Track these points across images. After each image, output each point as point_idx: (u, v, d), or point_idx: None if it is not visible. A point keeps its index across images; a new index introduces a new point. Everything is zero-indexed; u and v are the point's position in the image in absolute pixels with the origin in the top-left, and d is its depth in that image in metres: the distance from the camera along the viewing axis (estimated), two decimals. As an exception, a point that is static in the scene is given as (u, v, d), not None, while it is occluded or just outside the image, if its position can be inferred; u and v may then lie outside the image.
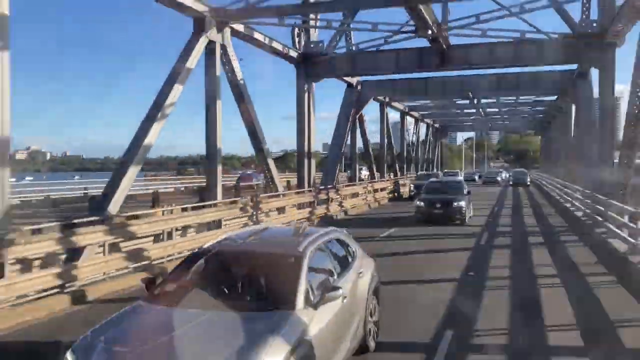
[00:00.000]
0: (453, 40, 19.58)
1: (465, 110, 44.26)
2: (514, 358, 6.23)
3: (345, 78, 24.91)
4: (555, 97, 33.82)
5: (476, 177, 56.42)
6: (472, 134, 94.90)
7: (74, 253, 9.62)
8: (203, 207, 13.82)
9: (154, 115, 12.58)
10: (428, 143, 53.58)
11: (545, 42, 18.38)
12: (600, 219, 15.64)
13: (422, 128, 50.38)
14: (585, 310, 8.06)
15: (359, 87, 26.40)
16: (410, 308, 8.14)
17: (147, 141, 12.35)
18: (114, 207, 11.36)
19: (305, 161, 21.26)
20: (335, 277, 5.50)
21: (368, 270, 6.40)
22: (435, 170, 52.20)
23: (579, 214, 20.04)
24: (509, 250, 14.04)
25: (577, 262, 12.06)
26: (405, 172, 41.13)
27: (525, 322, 7.49)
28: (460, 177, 37.59)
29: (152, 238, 11.54)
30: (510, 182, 50.06)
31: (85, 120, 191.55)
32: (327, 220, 18.72)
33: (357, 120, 27.81)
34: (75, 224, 9.53)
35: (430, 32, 16.68)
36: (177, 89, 13.17)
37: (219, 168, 15.48)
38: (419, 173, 42.07)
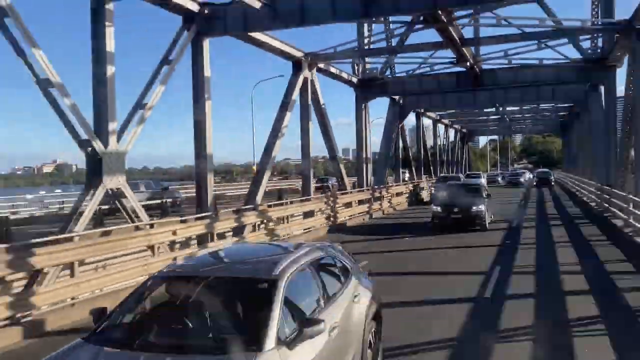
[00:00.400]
0: (484, 65, 24.21)
1: (491, 117, 48.69)
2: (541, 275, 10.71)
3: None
4: (572, 104, 38.15)
5: (499, 179, 56.38)
6: (495, 136, 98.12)
7: (240, 230, 13.99)
8: (304, 200, 19.07)
9: (274, 136, 17.74)
10: (456, 147, 57.82)
11: (561, 65, 22.97)
12: (606, 205, 20.36)
13: (448, 132, 54.34)
14: (585, 258, 12.58)
15: (401, 101, 31.10)
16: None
17: (273, 154, 17.67)
18: (258, 200, 16.31)
19: (364, 166, 26.05)
20: (322, 304, 4.56)
21: (366, 293, 5.47)
22: (461, 172, 52.86)
23: (593, 203, 24.54)
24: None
25: (585, 234, 16.51)
26: (432, 175, 42.10)
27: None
28: (482, 179, 38.66)
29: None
30: (535, 183, 49.59)
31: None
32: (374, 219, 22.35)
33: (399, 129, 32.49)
34: (245, 209, 14.60)
35: (468, 63, 21.43)
36: (288, 115, 18.20)
37: (311, 174, 20.63)
38: (439, 175, 41.42)
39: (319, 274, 4.85)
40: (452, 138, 55.97)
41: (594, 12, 22.07)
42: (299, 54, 18.99)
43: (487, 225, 17.82)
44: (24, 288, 8.19)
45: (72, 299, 8.48)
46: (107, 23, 10.91)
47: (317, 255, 5.07)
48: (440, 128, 49.92)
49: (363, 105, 25.75)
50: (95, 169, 10.67)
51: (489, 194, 19.66)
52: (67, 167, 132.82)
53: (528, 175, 58.60)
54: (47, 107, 10.06)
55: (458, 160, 58.39)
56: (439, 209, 18.43)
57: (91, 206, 10.38)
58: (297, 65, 19.03)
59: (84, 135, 10.45)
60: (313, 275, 4.74)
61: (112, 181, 10.82)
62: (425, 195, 32.26)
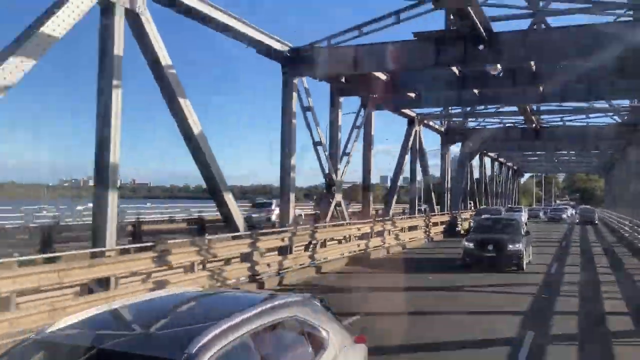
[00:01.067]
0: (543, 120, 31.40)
1: (537, 152, 52.18)
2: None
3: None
4: (612, 152, 44.38)
5: (541, 214, 54.34)
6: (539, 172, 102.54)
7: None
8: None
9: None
10: (506, 181, 63.99)
11: (604, 128, 30.16)
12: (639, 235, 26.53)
13: (494, 165, 56.07)
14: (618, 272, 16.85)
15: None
16: None
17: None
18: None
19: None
20: None
21: None
22: (503, 205, 50.96)
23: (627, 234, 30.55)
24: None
25: (618, 252, 22.44)
26: (473, 206, 41.87)
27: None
28: (522, 214, 37.86)
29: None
30: (577, 221, 47.32)
31: (150, 151, 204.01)
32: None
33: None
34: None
35: (533, 124, 28.99)
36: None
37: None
38: (479, 207, 39.90)
39: (274, 346, 3.52)
40: (496, 171, 59.15)
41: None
42: (412, 114, 26.41)
43: (524, 266, 16.22)
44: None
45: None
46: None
47: (274, 318, 3.55)
48: (487, 161, 51.44)
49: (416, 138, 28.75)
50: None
51: (527, 231, 18.29)
52: None
53: (571, 211, 57.15)
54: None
55: (504, 193, 62.19)
56: (471, 245, 16.65)
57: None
58: (410, 122, 26.41)
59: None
60: (264, 349, 3.32)
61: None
62: (465, 226, 29.56)
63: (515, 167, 65.73)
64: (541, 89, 20.53)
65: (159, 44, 11.25)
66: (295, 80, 15.90)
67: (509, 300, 11.72)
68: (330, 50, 15.41)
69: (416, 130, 27.21)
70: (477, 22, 13.05)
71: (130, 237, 16.74)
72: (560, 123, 30.52)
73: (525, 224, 29.71)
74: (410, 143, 26.42)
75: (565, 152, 49.59)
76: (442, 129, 32.54)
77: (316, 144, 17.61)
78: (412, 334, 8.57)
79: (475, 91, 21.17)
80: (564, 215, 50.95)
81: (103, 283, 9.06)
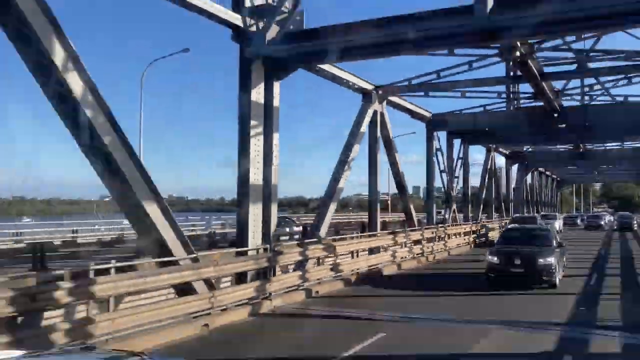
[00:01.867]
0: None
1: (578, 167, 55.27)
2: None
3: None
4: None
5: (578, 221, 52.83)
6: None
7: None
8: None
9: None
10: (549, 191, 71.67)
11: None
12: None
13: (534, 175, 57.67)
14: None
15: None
16: None
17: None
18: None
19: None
20: None
21: None
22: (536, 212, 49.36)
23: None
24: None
25: None
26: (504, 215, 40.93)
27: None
28: (556, 222, 37.06)
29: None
30: (615, 227, 47.84)
31: (186, 165, 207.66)
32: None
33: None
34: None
35: (580, 149, 37.31)
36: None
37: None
38: (514, 216, 37.74)
39: None
40: (542, 182, 65.47)
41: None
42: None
43: (557, 282, 14.44)
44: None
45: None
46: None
47: None
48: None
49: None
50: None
51: (560, 242, 16.41)
52: None
53: (609, 217, 56.85)
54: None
55: (547, 202, 68.84)
56: (495, 259, 14.85)
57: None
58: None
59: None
60: None
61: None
62: (494, 235, 27.44)
63: (558, 179, 73.61)
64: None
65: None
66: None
67: (529, 341, 9.27)
68: (458, 117, 24.25)
69: (492, 156, 35.98)
70: (552, 99, 21.93)
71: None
72: (602, 147, 38.77)
73: (560, 231, 33.21)
74: (488, 165, 35.18)
75: (605, 166, 57.30)
76: (507, 152, 41.15)
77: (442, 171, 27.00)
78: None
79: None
80: (602, 222, 49.73)
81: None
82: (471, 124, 26.39)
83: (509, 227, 20.68)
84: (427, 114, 25.86)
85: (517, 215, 38.76)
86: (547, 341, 9.14)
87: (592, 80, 21.51)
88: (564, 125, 24.85)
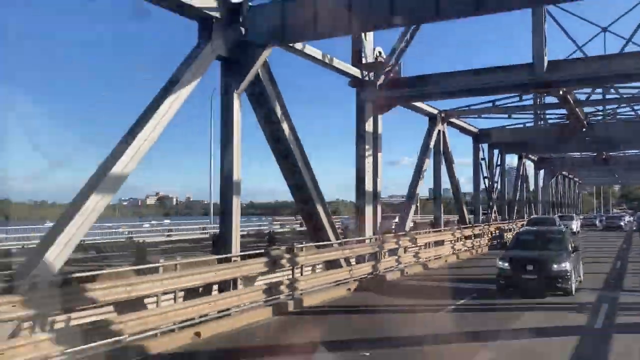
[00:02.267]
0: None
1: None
2: None
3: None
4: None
5: (597, 222, 51.90)
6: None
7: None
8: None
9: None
10: (571, 192, 75.64)
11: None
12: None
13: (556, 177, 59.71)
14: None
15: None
16: None
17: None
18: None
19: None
20: None
21: None
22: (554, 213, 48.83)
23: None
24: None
25: None
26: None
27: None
28: (573, 223, 36.14)
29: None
30: (635, 228, 45.60)
31: (205, 167, 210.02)
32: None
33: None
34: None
35: (603, 156, 41.61)
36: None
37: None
38: (531, 217, 37.24)
39: None
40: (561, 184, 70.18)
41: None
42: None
43: (573, 289, 13.47)
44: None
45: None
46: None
47: None
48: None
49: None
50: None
51: (576, 246, 15.23)
52: (168, 199, 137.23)
53: (628, 218, 55.85)
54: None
55: (569, 203, 73.05)
56: (505, 265, 13.89)
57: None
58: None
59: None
60: None
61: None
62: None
63: (579, 181, 77.54)
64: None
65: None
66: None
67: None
68: (501, 131, 29.11)
69: (524, 163, 40.53)
70: (582, 119, 26.54)
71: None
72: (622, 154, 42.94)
73: (577, 232, 33.60)
74: (521, 171, 39.73)
75: (625, 170, 61.29)
76: (535, 159, 45.56)
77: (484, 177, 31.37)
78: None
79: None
80: (621, 223, 48.94)
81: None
82: (511, 137, 31.17)
83: (522, 230, 19.61)
84: (475, 130, 30.63)
85: (534, 216, 38.54)
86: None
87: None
88: (589, 138, 29.34)
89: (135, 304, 8.98)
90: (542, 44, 15.66)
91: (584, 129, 28.32)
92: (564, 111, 26.43)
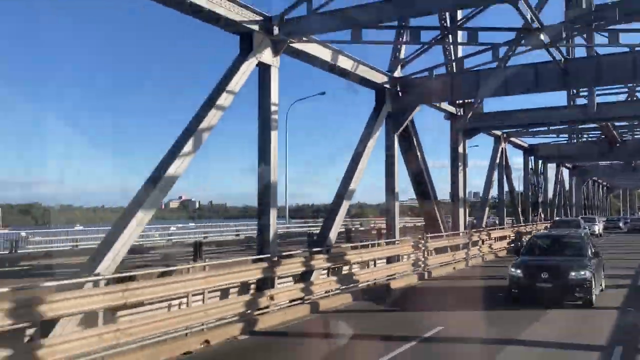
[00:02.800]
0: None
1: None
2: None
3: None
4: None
5: (621, 224, 50.79)
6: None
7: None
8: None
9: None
10: (595, 195, 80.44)
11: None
12: None
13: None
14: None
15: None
16: None
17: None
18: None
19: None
20: None
21: None
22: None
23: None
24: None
25: None
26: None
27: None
28: (596, 226, 35.21)
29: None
30: None
31: (225, 172, 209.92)
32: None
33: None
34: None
35: (632, 164, 47.07)
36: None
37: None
38: (555, 219, 36.94)
39: None
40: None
41: None
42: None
43: (593, 299, 12.10)
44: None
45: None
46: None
47: None
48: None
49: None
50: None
51: (596, 251, 13.87)
52: (191, 203, 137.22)
53: None
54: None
55: (598, 206, 79.04)
56: (518, 272, 12.64)
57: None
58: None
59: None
60: None
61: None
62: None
63: (608, 185, 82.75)
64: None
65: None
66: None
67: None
68: (548, 146, 35.31)
69: (561, 170, 46.23)
70: (616, 137, 32.50)
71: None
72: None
73: (600, 235, 33.67)
74: (559, 178, 45.47)
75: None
76: (570, 166, 51.15)
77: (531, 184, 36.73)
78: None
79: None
80: None
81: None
82: (556, 151, 37.34)
83: (537, 234, 18.14)
84: (525, 145, 36.90)
85: (558, 218, 38.12)
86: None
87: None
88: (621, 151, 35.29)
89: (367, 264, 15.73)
90: (594, 94, 21.74)
91: (617, 144, 34.26)
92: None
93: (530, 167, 38.08)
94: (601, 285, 13.68)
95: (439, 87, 18.61)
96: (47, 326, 7.60)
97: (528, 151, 37.41)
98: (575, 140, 36.36)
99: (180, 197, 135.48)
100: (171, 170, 10.45)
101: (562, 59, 16.30)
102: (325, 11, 12.71)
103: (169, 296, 9.39)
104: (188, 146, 10.83)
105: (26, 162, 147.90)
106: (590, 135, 35.20)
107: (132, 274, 9.12)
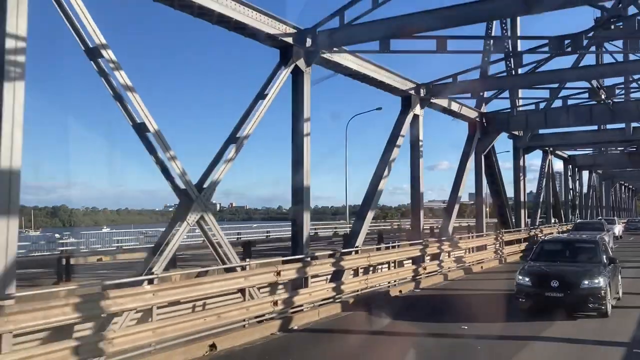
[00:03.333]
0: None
1: None
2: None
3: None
4: None
5: None
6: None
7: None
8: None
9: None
10: (622, 198, 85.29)
11: None
12: None
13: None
14: None
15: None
16: None
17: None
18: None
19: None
20: None
21: None
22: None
23: None
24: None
25: None
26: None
27: None
28: (615, 227, 32.63)
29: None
30: None
31: (245, 175, 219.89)
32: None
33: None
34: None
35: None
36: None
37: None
38: (576, 221, 35.35)
39: None
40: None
41: None
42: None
43: (608, 310, 11.00)
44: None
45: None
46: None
47: None
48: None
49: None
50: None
51: (612, 257, 12.60)
52: (212, 205, 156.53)
53: None
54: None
55: (625, 208, 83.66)
56: (526, 280, 11.60)
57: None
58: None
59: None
60: None
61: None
62: None
63: (633, 188, 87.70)
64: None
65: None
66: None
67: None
68: (584, 157, 41.41)
69: (594, 177, 51.92)
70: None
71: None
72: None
73: (620, 237, 32.35)
74: (591, 182, 51.13)
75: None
76: (600, 172, 56.53)
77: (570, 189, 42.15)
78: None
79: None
80: None
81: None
82: (591, 160, 43.56)
83: (547, 238, 16.62)
84: (565, 155, 43.07)
85: (580, 220, 37.21)
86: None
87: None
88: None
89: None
90: (631, 121, 27.72)
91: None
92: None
93: (568, 174, 44.07)
94: (617, 293, 12.49)
95: (517, 121, 25.36)
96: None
97: (567, 161, 43.53)
98: (603, 150, 41.54)
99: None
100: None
101: (612, 102, 22.49)
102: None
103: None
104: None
105: (52, 166, 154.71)
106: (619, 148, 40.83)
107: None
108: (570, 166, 44.52)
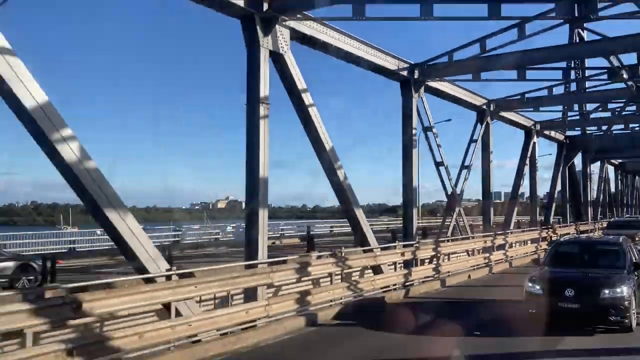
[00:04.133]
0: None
1: None
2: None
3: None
4: None
5: None
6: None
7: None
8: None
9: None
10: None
11: None
12: None
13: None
14: None
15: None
16: None
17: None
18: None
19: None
20: None
21: None
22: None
23: None
24: None
25: None
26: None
27: None
28: None
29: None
30: None
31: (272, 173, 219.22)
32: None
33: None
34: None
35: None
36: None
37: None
38: (611, 220, 32.38)
39: None
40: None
41: None
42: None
43: (632, 323, 9.61)
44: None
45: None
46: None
47: None
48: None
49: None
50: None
51: (638, 262, 10.95)
52: (237, 203, 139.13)
53: None
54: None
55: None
56: (537, 288, 10.18)
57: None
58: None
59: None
60: None
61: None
62: None
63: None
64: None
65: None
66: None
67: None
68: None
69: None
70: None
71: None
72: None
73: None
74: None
75: None
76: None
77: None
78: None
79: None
80: None
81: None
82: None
83: (563, 240, 14.84)
84: (616, 162, 46.89)
85: (614, 219, 33.59)
86: None
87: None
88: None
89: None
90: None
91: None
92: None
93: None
94: None
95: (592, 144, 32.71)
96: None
97: (616, 167, 48.14)
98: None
99: (227, 198, 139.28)
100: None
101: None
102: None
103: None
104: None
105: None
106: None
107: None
108: (620, 171, 49.24)
